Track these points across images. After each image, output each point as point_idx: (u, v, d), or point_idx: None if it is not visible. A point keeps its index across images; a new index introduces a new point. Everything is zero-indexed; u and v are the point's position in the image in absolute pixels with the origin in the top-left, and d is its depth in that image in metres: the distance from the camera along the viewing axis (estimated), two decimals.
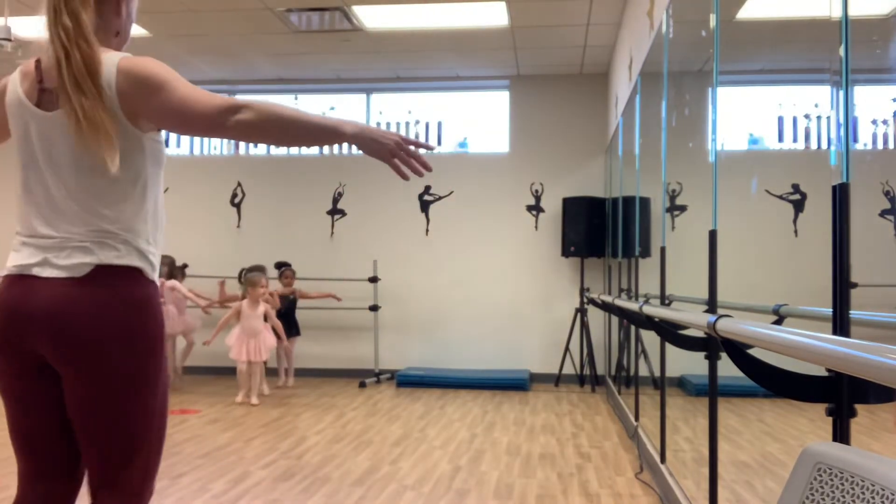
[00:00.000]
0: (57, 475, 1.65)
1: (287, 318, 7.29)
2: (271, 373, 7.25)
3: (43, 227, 1.59)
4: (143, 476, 1.63)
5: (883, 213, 1.74)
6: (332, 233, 8.26)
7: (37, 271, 1.57)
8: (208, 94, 1.58)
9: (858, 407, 1.54)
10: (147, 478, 1.64)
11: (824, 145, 2.00)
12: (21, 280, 1.58)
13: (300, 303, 7.52)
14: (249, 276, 6.73)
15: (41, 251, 1.58)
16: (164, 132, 1.69)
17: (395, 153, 1.64)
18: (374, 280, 7.82)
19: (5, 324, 1.58)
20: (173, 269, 7.09)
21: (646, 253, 4.68)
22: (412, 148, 1.67)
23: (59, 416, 1.62)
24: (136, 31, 6.68)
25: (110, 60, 1.59)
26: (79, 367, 1.56)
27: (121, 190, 1.60)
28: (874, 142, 1.83)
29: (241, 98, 1.61)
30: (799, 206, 2.16)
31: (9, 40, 5.51)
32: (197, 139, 8.73)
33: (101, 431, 1.59)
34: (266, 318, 6.64)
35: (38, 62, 1.67)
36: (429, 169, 1.67)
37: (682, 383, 3.81)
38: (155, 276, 1.67)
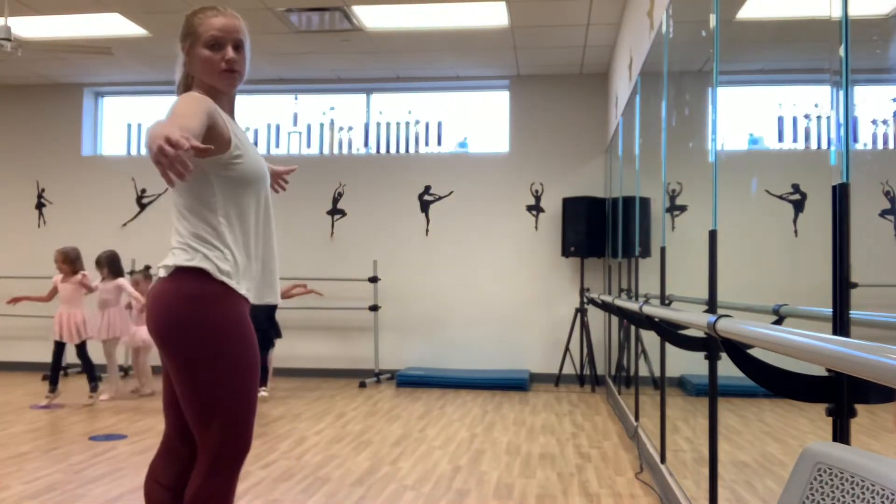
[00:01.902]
0: (177, 436, 2.11)
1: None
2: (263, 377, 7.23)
3: None
4: (221, 438, 1.97)
5: (883, 213, 1.74)
6: (332, 233, 8.26)
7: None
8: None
9: (858, 407, 1.54)
10: (225, 440, 1.98)
11: (824, 145, 2.00)
12: None
13: (293, 302, 7.40)
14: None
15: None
16: (240, 156, 2.02)
17: (156, 159, 1.53)
18: (374, 280, 7.82)
19: None
20: (114, 266, 6.56)
21: (646, 253, 4.68)
22: (171, 150, 1.51)
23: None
24: (136, 30, 6.69)
25: None
26: (160, 349, 2.01)
27: (189, 207, 2.00)
28: (874, 142, 1.83)
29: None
30: (799, 206, 2.16)
31: (9, 40, 5.51)
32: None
33: (183, 402, 2.00)
34: None
35: None
36: (180, 177, 1.54)
37: (682, 383, 3.81)
38: (224, 277, 1.98)
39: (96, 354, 6.49)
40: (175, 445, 2.11)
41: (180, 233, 2.01)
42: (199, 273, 1.96)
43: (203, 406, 1.97)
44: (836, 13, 1.64)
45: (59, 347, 6.28)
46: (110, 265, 6.53)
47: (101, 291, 6.51)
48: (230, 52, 2.06)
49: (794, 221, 2.18)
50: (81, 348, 6.33)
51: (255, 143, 8.68)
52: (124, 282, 6.56)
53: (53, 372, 6.25)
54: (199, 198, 2.00)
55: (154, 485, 2.11)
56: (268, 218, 2.15)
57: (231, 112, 2.15)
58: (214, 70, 2.05)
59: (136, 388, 6.87)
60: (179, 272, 1.97)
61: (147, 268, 6.99)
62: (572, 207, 7.61)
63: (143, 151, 8.78)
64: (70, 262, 6.35)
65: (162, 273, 2.01)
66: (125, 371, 7.80)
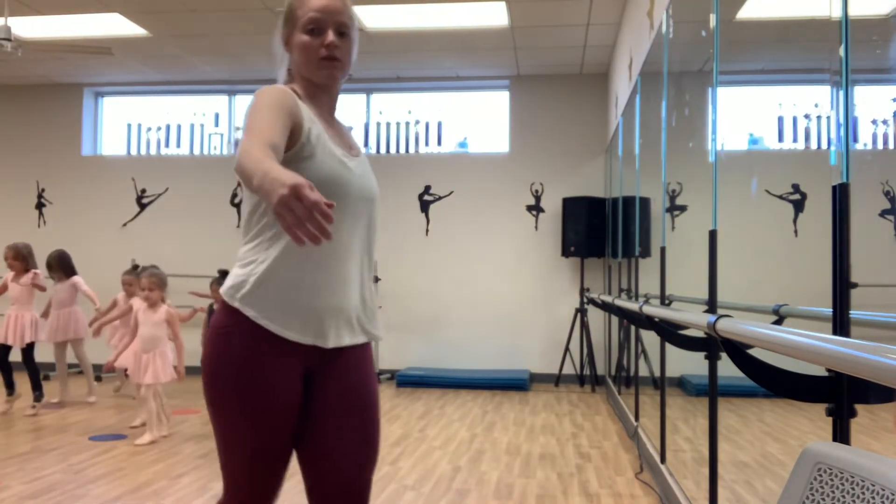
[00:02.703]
0: None
1: None
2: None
3: None
4: (226, 483, 1.75)
5: (883, 213, 1.74)
6: (332, 233, 8.26)
7: None
8: (247, 134, 1.49)
9: (858, 407, 1.54)
10: (227, 486, 1.75)
11: (824, 145, 2.00)
12: None
13: None
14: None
15: None
16: (308, 157, 1.66)
17: (285, 204, 1.22)
18: (374, 280, 7.81)
19: None
20: (65, 265, 6.25)
21: (646, 253, 4.68)
22: (298, 204, 1.22)
23: None
24: (136, 30, 6.69)
25: None
26: None
27: (245, 219, 1.75)
28: (874, 142, 1.83)
29: (243, 142, 1.47)
30: (799, 206, 2.16)
31: (9, 40, 5.51)
32: (197, 138, 8.74)
33: None
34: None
35: None
36: (327, 236, 1.24)
37: (682, 383, 3.81)
38: (237, 303, 1.65)
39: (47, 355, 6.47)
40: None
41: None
42: (222, 303, 1.70)
43: (218, 450, 1.75)
44: (836, 13, 1.64)
45: (4, 350, 5.89)
46: (62, 265, 6.22)
47: (56, 291, 6.20)
48: (331, 36, 1.73)
49: (794, 221, 2.18)
50: (27, 352, 5.94)
51: None
52: (79, 280, 6.28)
53: (5, 375, 5.88)
54: (249, 209, 1.72)
55: None
56: (345, 244, 1.73)
57: (331, 113, 1.84)
58: (312, 58, 1.73)
59: (118, 385, 6.75)
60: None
61: (135, 267, 6.66)
62: (572, 207, 7.61)
63: (143, 151, 8.79)
64: (21, 259, 5.96)
65: None
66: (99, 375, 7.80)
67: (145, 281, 5.11)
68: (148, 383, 4.97)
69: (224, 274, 6.67)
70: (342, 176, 1.72)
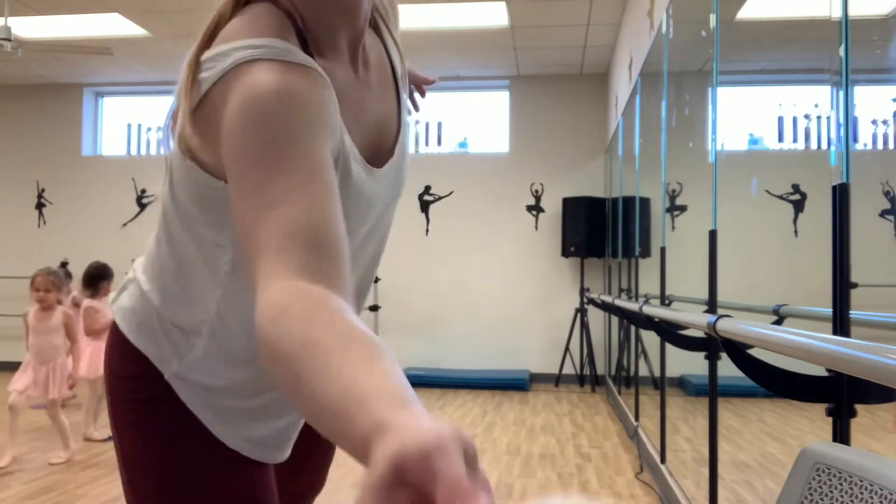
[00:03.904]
0: None
1: None
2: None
3: None
4: None
5: (883, 213, 1.74)
6: None
7: None
8: (262, 240, 0.74)
9: (858, 407, 1.54)
10: None
11: (824, 145, 2.00)
12: None
13: None
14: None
15: None
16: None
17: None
18: (374, 280, 7.81)
19: None
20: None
21: (646, 253, 4.68)
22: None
23: None
24: (136, 30, 6.69)
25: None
26: None
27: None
28: (874, 142, 1.83)
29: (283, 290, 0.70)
30: (799, 206, 2.16)
31: (9, 40, 5.51)
32: None
33: None
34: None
35: None
36: None
37: (682, 383, 3.81)
38: None
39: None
40: None
41: None
42: None
43: None
44: (836, 13, 1.64)
45: None
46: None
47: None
48: None
49: (794, 221, 2.18)
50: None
51: None
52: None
53: None
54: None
55: None
56: None
57: (354, 56, 0.99)
58: None
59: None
60: None
61: (64, 265, 6.11)
62: (572, 207, 7.61)
63: (143, 151, 8.80)
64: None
65: None
66: None
67: (40, 280, 4.47)
68: (53, 398, 4.40)
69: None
70: (366, 200, 1.04)
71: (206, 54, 0.88)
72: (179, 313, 1.05)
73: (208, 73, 0.86)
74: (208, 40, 0.91)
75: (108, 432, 4.87)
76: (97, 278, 5.15)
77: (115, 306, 1.11)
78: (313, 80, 0.85)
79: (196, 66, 0.88)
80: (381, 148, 1.05)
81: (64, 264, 6.43)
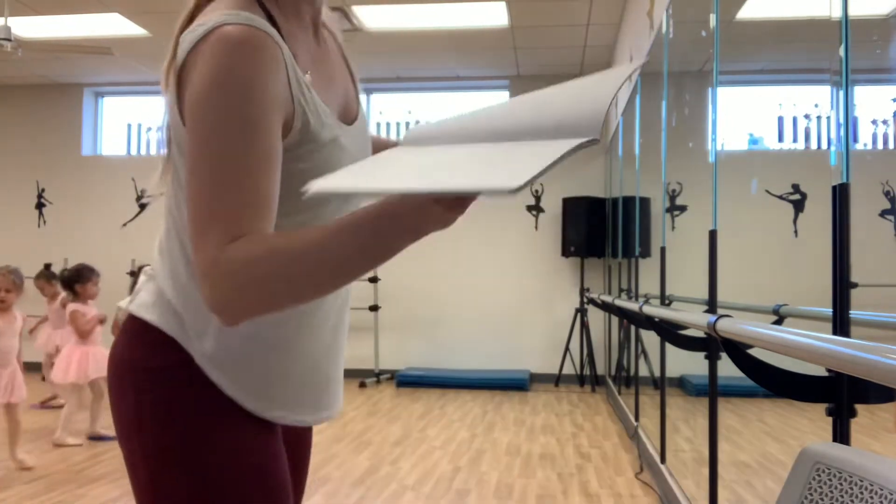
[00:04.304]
0: None
1: None
2: None
3: None
4: None
5: (883, 213, 1.74)
6: None
7: None
8: (210, 207, 0.87)
9: (858, 407, 1.54)
10: None
11: (824, 145, 2.00)
12: None
13: None
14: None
15: None
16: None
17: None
18: (374, 280, 7.81)
19: None
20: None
21: (646, 253, 4.68)
22: None
23: None
24: (136, 30, 6.69)
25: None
26: None
27: None
28: (874, 142, 1.83)
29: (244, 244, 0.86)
30: (799, 206, 2.16)
31: (9, 40, 5.51)
32: None
33: None
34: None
35: None
36: None
37: (682, 383, 3.81)
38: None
39: None
40: None
41: None
42: None
43: None
44: (836, 13, 1.64)
45: None
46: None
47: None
48: None
49: (794, 221, 2.19)
50: None
51: None
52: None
53: None
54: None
55: None
56: None
57: (316, 29, 1.09)
58: None
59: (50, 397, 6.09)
60: None
61: (47, 266, 6.11)
62: (572, 207, 7.61)
63: (143, 151, 8.79)
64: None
65: None
66: None
67: (1, 280, 4.41)
68: (13, 402, 4.30)
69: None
70: (350, 155, 1.06)
71: (185, 32, 0.95)
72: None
73: (184, 45, 0.93)
74: (188, 21, 0.98)
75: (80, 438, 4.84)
76: (72, 281, 5.14)
77: (134, 305, 1.08)
78: (267, 44, 0.91)
79: (177, 44, 0.95)
80: (348, 113, 1.12)
81: (47, 266, 6.36)
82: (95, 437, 4.93)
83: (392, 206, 0.82)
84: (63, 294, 5.61)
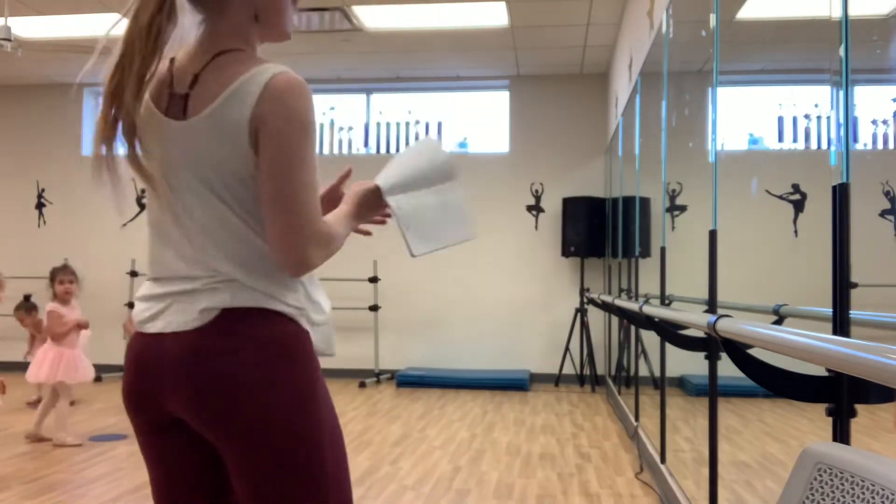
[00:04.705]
0: None
1: None
2: None
3: None
4: None
5: (883, 213, 1.74)
6: None
7: None
8: (317, 207, 1.28)
9: (858, 407, 1.54)
10: None
11: (824, 145, 2.00)
12: None
13: None
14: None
15: None
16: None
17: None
18: (374, 280, 7.81)
19: None
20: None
21: (646, 253, 4.68)
22: None
23: None
24: None
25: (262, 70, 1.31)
26: None
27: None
28: (874, 142, 1.83)
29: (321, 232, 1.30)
30: (799, 206, 2.16)
31: (9, 40, 5.51)
32: None
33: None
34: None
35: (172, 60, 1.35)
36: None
37: (682, 383, 3.81)
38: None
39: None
40: None
41: None
42: None
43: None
44: (836, 13, 1.64)
45: None
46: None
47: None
48: None
49: (794, 221, 2.19)
50: None
51: None
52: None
53: None
54: None
55: None
56: None
57: None
58: (288, 14, 1.42)
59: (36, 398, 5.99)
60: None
61: (27, 298, 6.04)
62: (572, 207, 7.61)
63: None
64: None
65: None
66: None
67: (64, 275, 4.70)
68: (70, 381, 4.83)
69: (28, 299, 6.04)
70: None
71: (242, 79, 1.30)
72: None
73: (252, 89, 1.30)
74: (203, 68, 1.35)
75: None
76: (50, 280, 5.09)
77: (233, 304, 1.27)
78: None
79: (195, 81, 1.32)
80: None
81: (27, 297, 6.17)
82: (36, 439, 4.85)
83: (357, 207, 1.44)
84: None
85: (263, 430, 1.24)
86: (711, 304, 2.64)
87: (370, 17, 6.35)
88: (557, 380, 7.65)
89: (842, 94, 1.62)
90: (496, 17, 6.30)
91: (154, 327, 1.28)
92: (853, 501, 0.99)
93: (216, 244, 1.27)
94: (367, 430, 5.33)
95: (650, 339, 4.31)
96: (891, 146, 1.82)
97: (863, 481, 0.98)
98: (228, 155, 1.25)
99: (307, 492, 1.27)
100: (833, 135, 1.69)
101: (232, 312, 1.26)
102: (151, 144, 1.29)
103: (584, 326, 7.58)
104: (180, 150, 1.27)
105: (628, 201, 5.50)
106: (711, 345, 2.60)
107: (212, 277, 1.27)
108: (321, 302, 1.44)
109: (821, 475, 1.05)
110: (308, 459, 1.26)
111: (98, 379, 7.23)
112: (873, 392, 1.52)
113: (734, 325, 1.81)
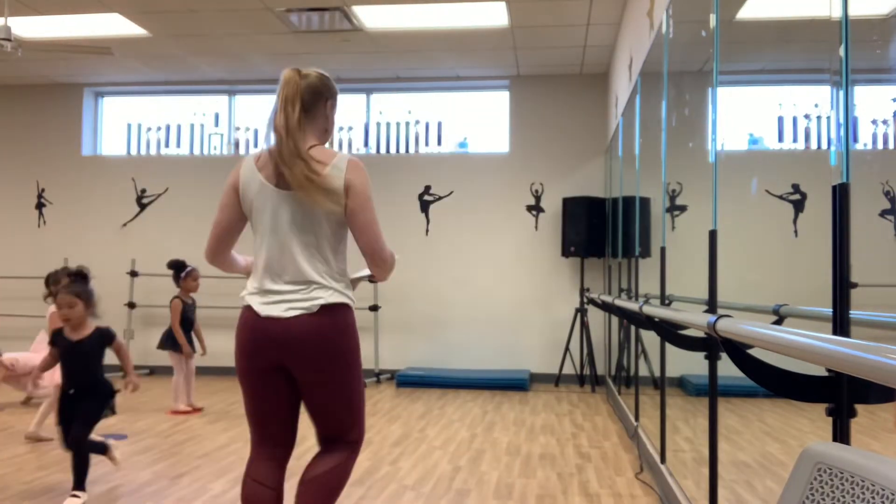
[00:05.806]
0: (283, 445, 2.50)
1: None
2: None
3: None
4: (360, 429, 2.49)
5: (883, 213, 1.74)
6: None
7: None
8: (380, 233, 2.39)
9: (858, 407, 1.54)
10: (362, 429, 2.51)
11: (824, 145, 2.00)
12: None
13: None
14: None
15: None
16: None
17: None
18: (373, 280, 7.81)
19: None
20: None
21: (646, 253, 4.68)
22: None
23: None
24: (136, 30, 6.69)
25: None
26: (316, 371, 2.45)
27: (336, 250, 2.52)
28: (874, 142, 1.83)
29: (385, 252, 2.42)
30: (799, 206, 2.16)
31: (9, 40, 5.51)
32: (197, 138, 8.74)
33: (334, 410, 2.46)
34: None
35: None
36: None
37: (682, 383, 3.81)
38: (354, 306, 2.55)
39: None
40: (279, 454, 2.48)
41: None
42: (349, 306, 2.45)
43: (353, 410, 2.46)
44: (836, 13, 1.64)
45: None
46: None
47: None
48: None
49: (794, 221, 2.18)
50: None
51: (255, 144, 8.68)
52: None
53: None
54: (340, 242, 2.47)
55: (260, 488, 2.46)
56: None
57: None
58: (332, 132, 2.56)
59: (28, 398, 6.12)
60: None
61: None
62: (572, 207, 7.61)
63: (143, 151, 8.79)
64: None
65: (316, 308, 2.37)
66: None
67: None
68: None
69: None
70: None
71: (331, 164, 2.34)
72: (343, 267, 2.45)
73: (340, 166, 2.34)
74: (297, 154, 2.34)
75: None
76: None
77: (322, 301, 2.34)
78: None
79: (305, 160, 2.33)
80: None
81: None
82: (36, 439, 4.85)
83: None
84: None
85: (341, 366, 2.38)
86: (711, 304, 2.64)
87: (370, 17, 6.36)
88: (557, 380, 7.66)
89: (842, 94, 1.62)
90: (496, 17, 6.30)
91: (273, 312, 2.31)
92: (853, 501, 0.99)
93: (310, 263, 2.34)
94: (368, 430, 5.32)
95: (650, 339, 4.31)
96: (891, 146, 1.82)
97: (863, 481, 0.98)
98: (335, 204, 2.30)
99: (352, 398, 2.44)
100: (833, 135, 1.68)
101: (327, 305, 2.33)
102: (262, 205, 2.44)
103: (584, 326, 7.58)
104: (289, 209, 2.34)
105: (628, 201, 5.50)
106: (711, 345, 2.60)
107: (310, 285, 2.33)
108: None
109: (821, 475, 1.05)
110: (356, 382, 2.45)
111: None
112: (873, 392, 1.52)
113: (734, 325, 1.81)
